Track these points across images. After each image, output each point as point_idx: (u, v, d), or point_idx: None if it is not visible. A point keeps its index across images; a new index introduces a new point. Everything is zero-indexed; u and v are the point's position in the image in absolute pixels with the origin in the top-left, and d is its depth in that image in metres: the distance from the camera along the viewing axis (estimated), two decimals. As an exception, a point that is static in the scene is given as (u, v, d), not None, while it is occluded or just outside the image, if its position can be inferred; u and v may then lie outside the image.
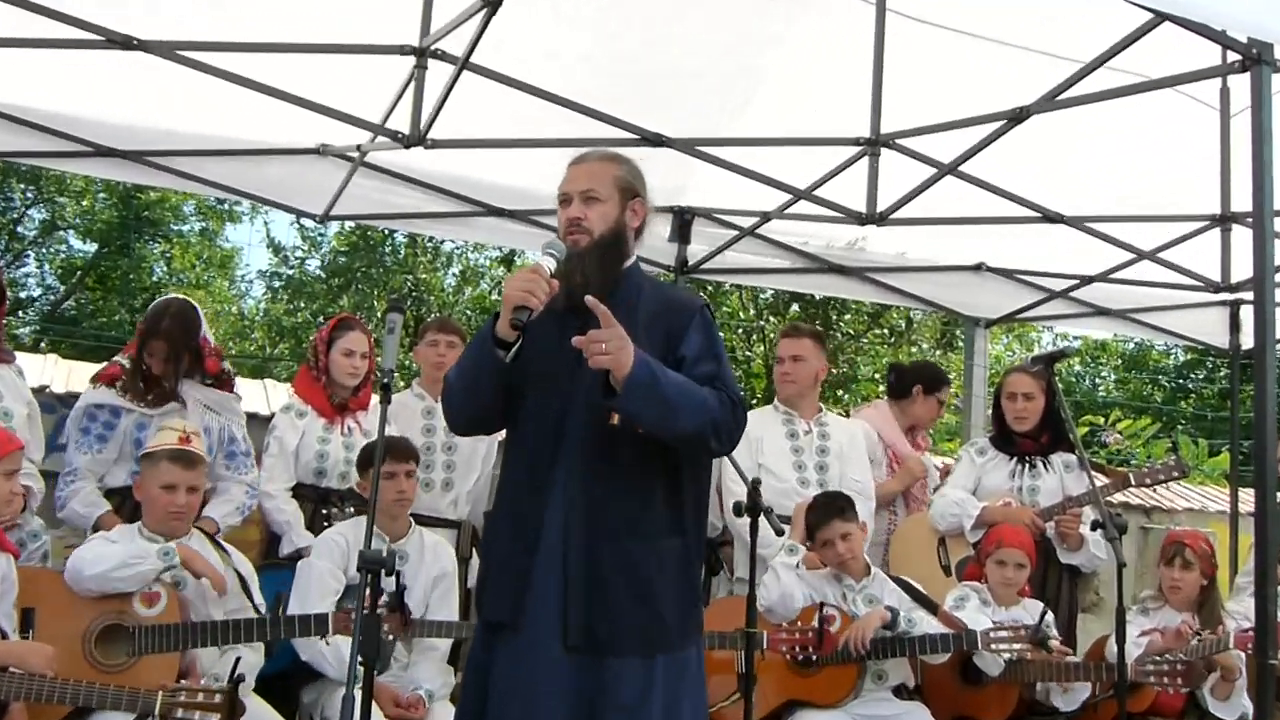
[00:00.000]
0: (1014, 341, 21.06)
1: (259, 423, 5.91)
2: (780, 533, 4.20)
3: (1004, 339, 20.64)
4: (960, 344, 20.01)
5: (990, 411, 6.16)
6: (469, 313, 22.05)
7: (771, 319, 18.73)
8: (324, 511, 5.02)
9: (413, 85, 4.56)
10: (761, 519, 3.97)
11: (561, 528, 3.08)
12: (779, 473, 5.10)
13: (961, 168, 5.14)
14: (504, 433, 3.36)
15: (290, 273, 23.10)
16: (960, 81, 4.70)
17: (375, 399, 4.24)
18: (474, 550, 5.40)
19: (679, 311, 3.26)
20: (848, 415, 6.28)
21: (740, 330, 18.97)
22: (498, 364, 3.12)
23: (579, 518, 3.08)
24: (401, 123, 4.75)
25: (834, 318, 18.49)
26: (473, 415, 3.28)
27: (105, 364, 5.01)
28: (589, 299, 2.99)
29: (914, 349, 18.44)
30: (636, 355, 2.99)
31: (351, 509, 5.00)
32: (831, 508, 4.80)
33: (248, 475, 4.96)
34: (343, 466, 5.14)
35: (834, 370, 18.20)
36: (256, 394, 8.09)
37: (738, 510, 4.08)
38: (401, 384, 17.52)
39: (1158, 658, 4.71)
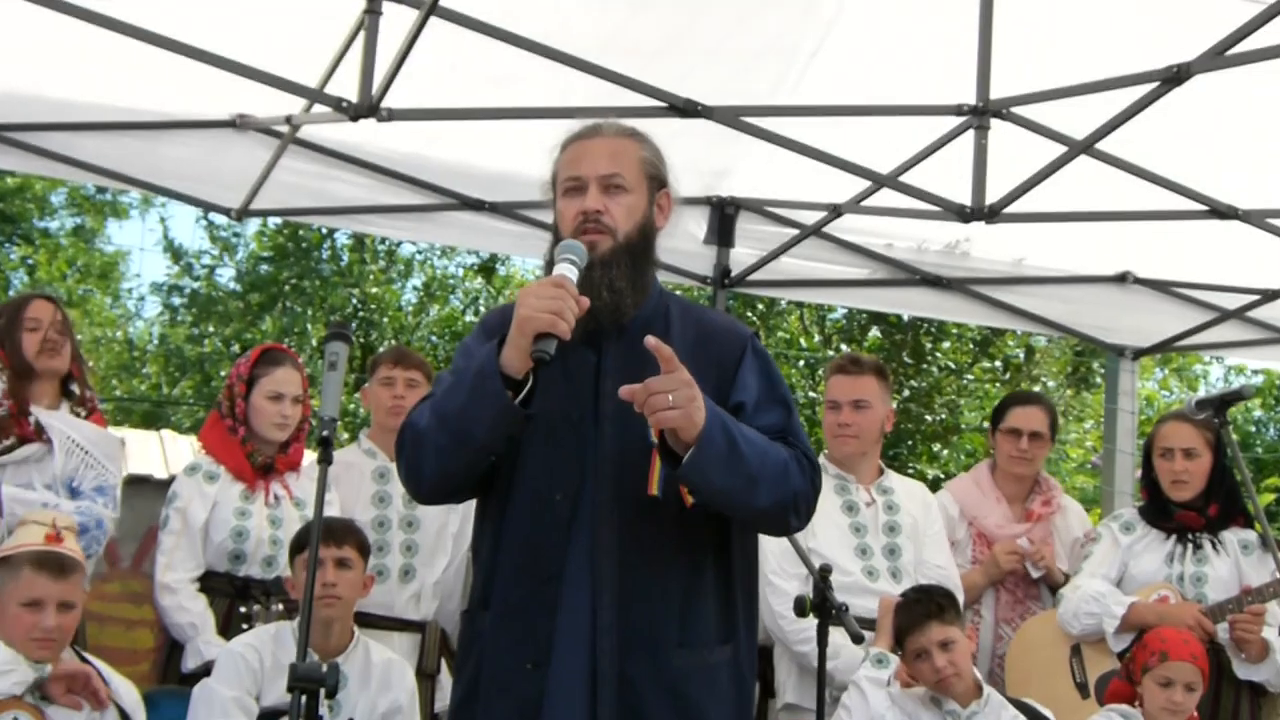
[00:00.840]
0: (1171, 377, 21.04)
1: (152, 489, 5.93)
2: (859, 639, 4.18)
3: (1158, 374, 20.62)
4: (1098, 380, 20.01)
5: (1139, 473, 6.13)
6: (435, 339, 22.12)
7: (843, 347, 18.72)
8: (242, 610, 5.02)
9: (361, 37, 4.59)
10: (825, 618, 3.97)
11: (585, 636, 3.08)
12: (837, 560, 5.06)
13: (1099, 145, 5.14)
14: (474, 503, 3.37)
15: (195, 286, 23.23)
16: (1097, 33, 4.71)
17: (312, 457, 4.23)
18: (443, 662, 5.39)
19: (724, 343, 3.28)
20: (941, 478, 6.23)
21: (801, 363, 18.97)
22: (507, 414, 3.05)
23: (607, 622, 3.07)
24: (346, 87, 4.77)
25: (928, 346, 18.49)
26: (450, 481, 3.25)
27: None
28: (650, 340, 2.97)
29: (1036, 387, 18.42)
30: (709, 409, 3.00)
31: (280, 605, 5.00)
32: (926, 607, 4.78)
33: (107, 510, 4.97)
34: (268, 548, 5.15)
35: (929, 418, 18.18)
36: (149, 449, 8.13)
37: (800, 608, 4.05)
38: (346, 436, 17.57)
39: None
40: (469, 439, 3.11)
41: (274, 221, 20.47)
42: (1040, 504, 5.99)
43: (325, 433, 3.22)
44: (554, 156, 3.38)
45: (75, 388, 5.18)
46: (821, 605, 3.94)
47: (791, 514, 3.14)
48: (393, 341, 21.32)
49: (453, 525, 5.53)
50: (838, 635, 4.20)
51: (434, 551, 5.48)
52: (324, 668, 2.98)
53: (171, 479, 5.47)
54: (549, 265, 3.19)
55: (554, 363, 3.02)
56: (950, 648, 4.73)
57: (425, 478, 3.23)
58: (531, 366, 3.02)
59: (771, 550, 5.00)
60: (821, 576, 3.99)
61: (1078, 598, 5.49)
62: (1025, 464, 5.90)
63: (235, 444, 5.25)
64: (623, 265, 3.19)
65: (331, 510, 5.17)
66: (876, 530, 5.31)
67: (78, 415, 5.11)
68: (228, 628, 5.00)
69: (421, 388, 5.51)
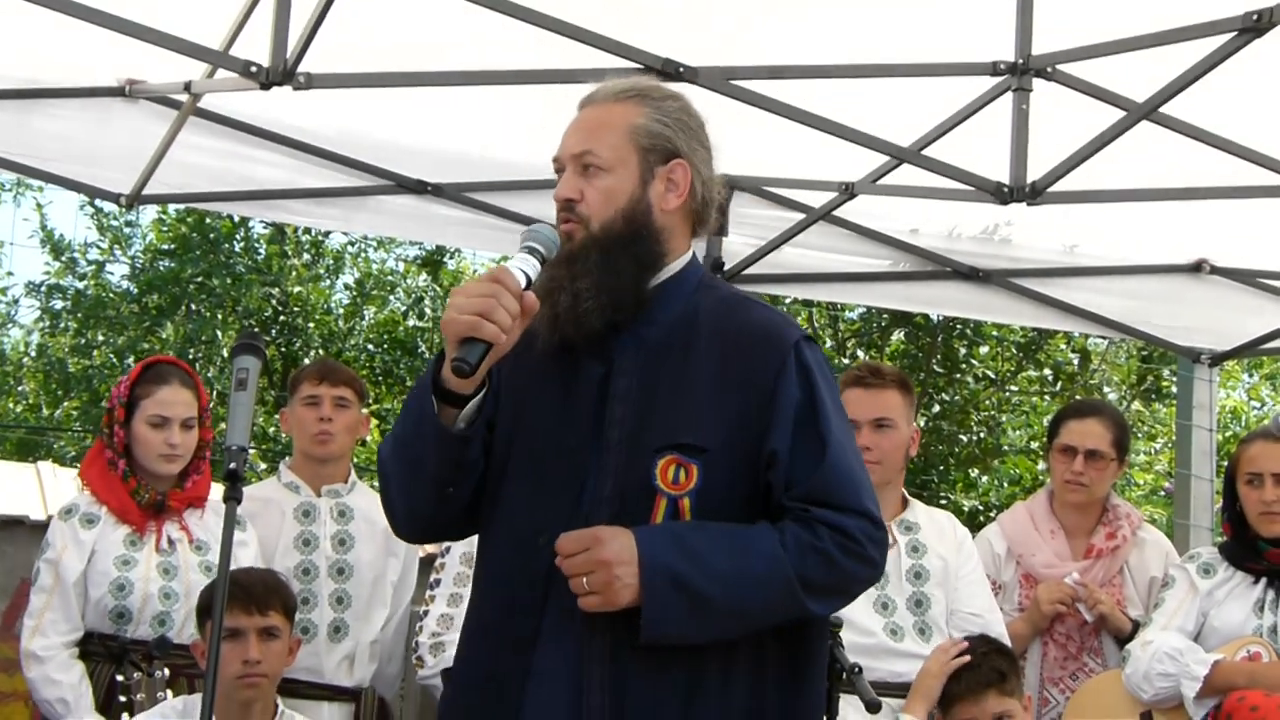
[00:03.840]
0: (1262, 385, 21.09)
1: (26, 534, 5.93)
2: (875, 707, 4.19)
3: (1245, 380, 20.67)
4: (1170, 390, 19.97)
5: (1221, 503, 6.14)
6: (371, 348, 22.11)
7: (860, 353, 18.76)
8: (119, 679, 5.02)
9: (274, -12, 4.62)
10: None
11: (563, 716, 3.08)
12: (854, 618, 5.06)
13: (1164, 109, 5.17)
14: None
15: (81, 286, 23.19)
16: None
17: (220, 491, 4.23)
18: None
19: (760, 356, 3.21)
20: (980, 510, 6.22)
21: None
22: (443, 435, 3.10)
23: (597, 703, 3.07)
24: (256, 49, 4.79)
25: (963, 352, 18.53)
26: (420, 519, 3.29)
27: None
28: (561, 540, 3.05)
29: (1095, 398, 18.46)
30: (641, 545, 3.04)
31: (164, 670, 4.99)
32: (986, 673, 4.81)
33: None
34: (158, 603, 5.14)
35: (964, 438, 18.22)
36: (24, 485, 8.14)
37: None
38: (263, 466, 17.52)
39: None
40: (421, 467, 3.16)
41: (175, 209, 20.44)
42: (1104, 537, 5.95)
43: (233, 465, 3.24)
44: None
45: None
46: (830, 667, 3.95)
47: (811, 605, 3.11)
48: (320, 351, 21.31)
49: (392, 573, 5.55)
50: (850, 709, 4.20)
51: (370, 604, 5.50)
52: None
53: (47, 522, 5.47)
54: None
55: (540, 381, 3.12)
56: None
57: (396, 515, 3.30)
58: (488, 370, 3.07)
59: None
60: (830, 633, 4.00)
61: (1149, 655, 5.47)
62: (1080, 490, 5.88)
63: (117, 479, 5.24)
64: (590, 262, 3.17)
65: (246, 555, 5.18)
66: (900, 578, 5.29)
67: None
68: (109, 702, 4.98)
69: (353, 408, 5.53)
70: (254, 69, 4.74)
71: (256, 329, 19.54)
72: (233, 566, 4.84)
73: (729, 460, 3.14)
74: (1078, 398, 17.32)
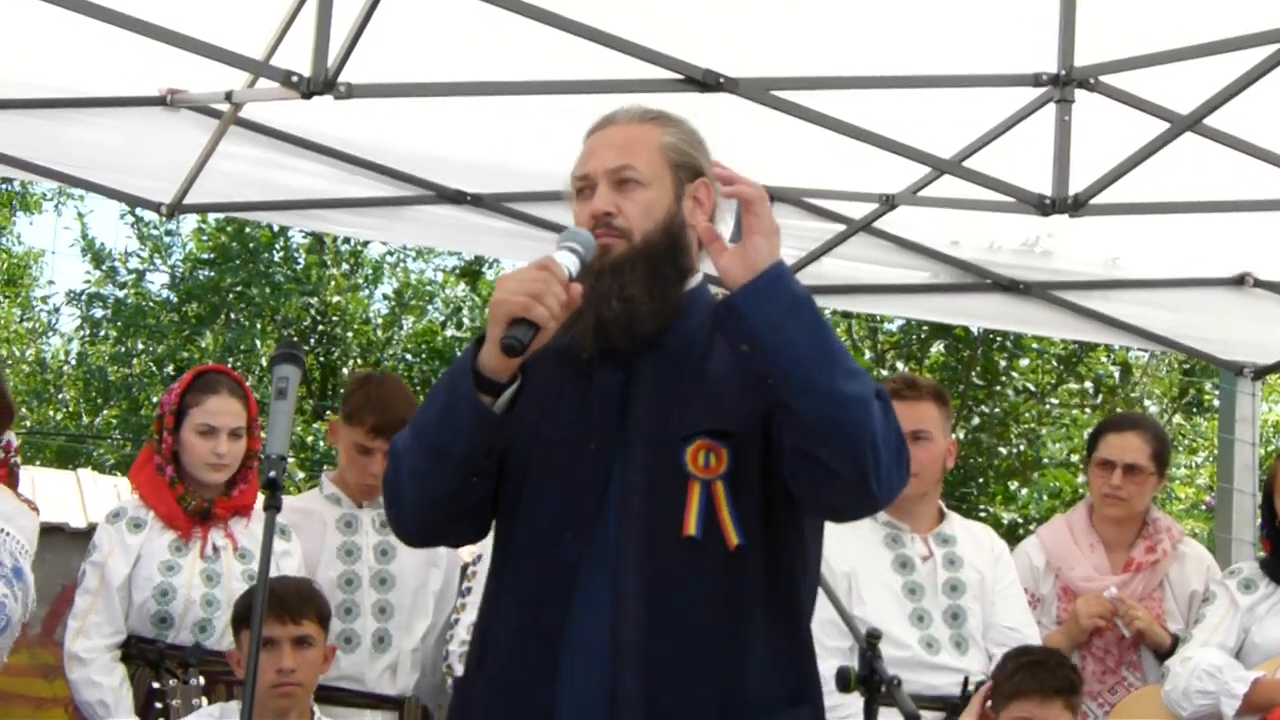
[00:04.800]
0: (1302, 400, 20.99)
1: (66, 541, 5.96)
2: (916, 719, 4.18)
3: (1286, 395, 20.57)
4: (1211, 404, 19.89)
5: (1261, 519, 6.12)
6: (409, 358, 22.18)
7: (899, 365, 18.73)
8: (155, 686, 5.04)
9: (315, -1, 4.63)
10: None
11: (597, 711, 3.09)
12: (890, 630, 5.05)
13: (1208, 121, 5.14)
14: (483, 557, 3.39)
15: (121, 295, 23.32)
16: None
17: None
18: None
19: None
20: (1019, 522, 6.20)
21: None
22: (482, 417, 3.09)
23: (632, 691, 3.09)
24: (297, 58, 4.80)
25: (1002, 364, 18.50)
26: (432, 512, 3.27)
27: None
28: (718, 168, 3.04)
29: (1135, 411, 18.40)
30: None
31: (199, 679, 5.02)
32: (1058, 678, 4.79)
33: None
34: (200, 610, 5.17)
35: (1003, 450, 18.17)
36: (64, 493, 8.18)
37: (844, 681, 4.06)
38: (301, 475, 17.57)
39: None
40: (445, 455, 3.14)
41: (214, 218, 20.55)
42: (1144, 550, 5.93)
43: (273, 473, 3.26)
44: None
45: None
46: (869, 678, 3.94)
47: (866, 443, 3.02)
48: (358, 361, 21.37)
49: (434, 583, 5.56)
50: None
51: (412, 614, 5.51)
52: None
53: (91, 528, 5.50)
54: None
55: (566, 388, 3.13)
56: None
57: (404, 508, 3.28)
58: (521, 366, 3.08)
59: None
60: (869, 643, 3.99)
61: (1188, 672, 5.46)
62: (1119, 504, 5.86)
63: (164, 485, 5.27)
64: (638, 271, 3.21)
65: (289, 565, 5.20)
66: (936, 591, 5.29)
67: None
68: (147, 709, 5.01)
69: None
70: (295, 78, 4.75)
71: (295, 338, 19.60)
72: (275, 575, 4.89)
73: (756, 444, 3.17)
74: (1118, 411, 17.28)
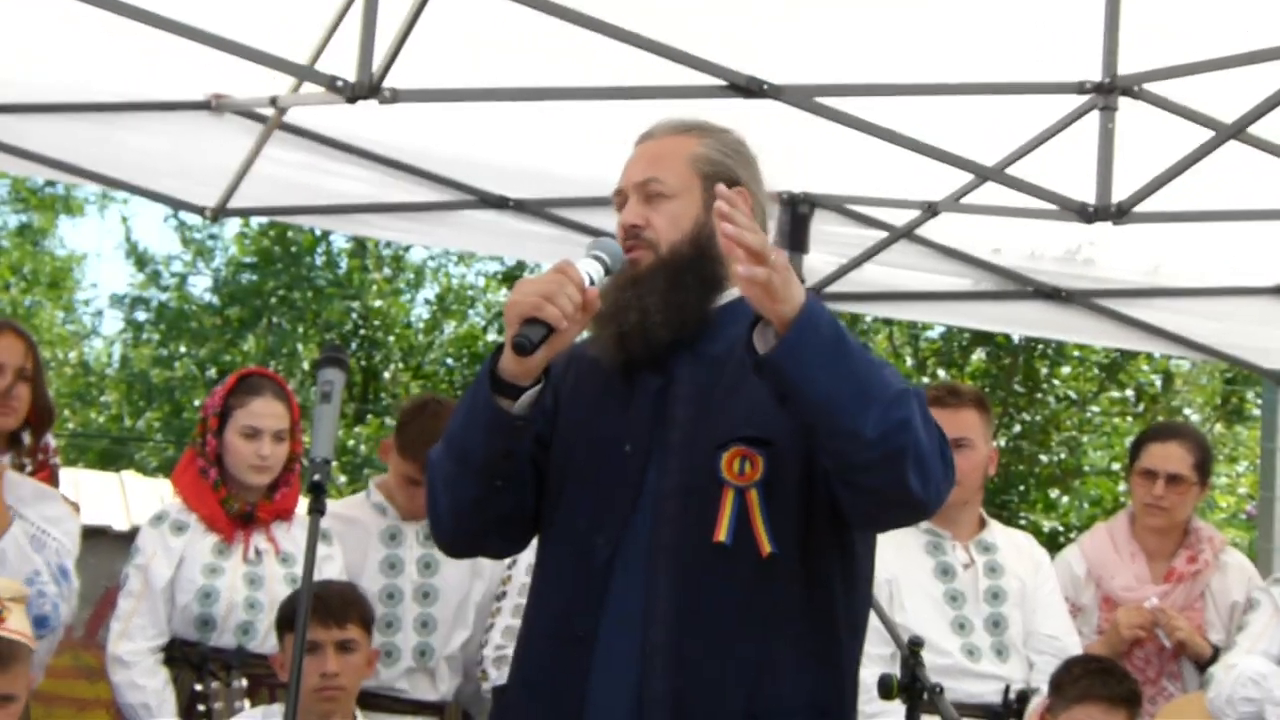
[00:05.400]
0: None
1: (109, 543, 5.97)
2: (955, 727, 4.18)
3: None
4: (1253, 412, 19.79)
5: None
6: (450, 362, 22.22)
7: (940, 373, 18.70)
8: (198, 689, 5.05)
9: (360, 3, 4.62)
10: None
11: (624, 709, 3.10)
12: (930, 637, 5.04)
13: (1251, 129, 5.13)
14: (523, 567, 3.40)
15: (164, 298, 23.43)
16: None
17: (305, 506, 4.26)
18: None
19: None
20: (1060, 530, 6.16)
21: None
22: (499, 420, 3.12)
23: (659, 691, 3.10)
24: (342, 63, 4.82)
25: (1044, 372, 18.46)
26: (465, 521, 3.29)
27: None
28: (720, 190, 3.00)
29: (1176, 420, 18.36)
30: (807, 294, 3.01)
31: (243, 681, 5.04)
32: (1126, 690, 4.80)
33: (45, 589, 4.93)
34: (243, 613, 5.17)
35: (1044, 458, 18.11)
36: (107, 495, 8.21)
37: (886, 689, 4.06)
38: (343, 479, 17.61)
39: None
40: (469, 459, 3.18)
41: (257, 222, 20.63)
42: (1185, 560, 5.92)
43: (317, 477, 3.27)
44: None
45: (26, 436, 5.21)
46: (911, 686, 3.94)
47: (909, 462, 3.01)
48: (399, 365, 21.42)
49: (476, 594, 5.52)
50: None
51: (453, 627, 5.49)
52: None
53: (133, 531, 5.51)
54: None
55: (598, 398, 3.14)
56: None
57: (440, 517, 3.31)
58: (545, 371, 3.11)
59: None
60: (911, 651, 3.99)
61: (1232, 680, 5.43)
62: (1161, 514, 5.84)
63: (207, 488, 5.26)
64: (658, 281, 3.23)
65: (331, 570, 5.21)
66: (977, 599, 5.30)
67: (21, 469, 5.11)
68: (190, 711, 5.04)
69: None
70: (340, 83, 4.77)
71: (338, 342, 19.66)
72: (318, 579, 4.90)
73: (795, 453, 3.15)
74: (1160, 420, 17.22)
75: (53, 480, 5.32)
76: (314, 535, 3.25)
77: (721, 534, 3.10)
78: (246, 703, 4.90)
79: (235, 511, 5.25)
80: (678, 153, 3.33)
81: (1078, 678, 4.86)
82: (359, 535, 5.47)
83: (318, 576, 4.94)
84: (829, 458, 3.06)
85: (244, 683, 5.01)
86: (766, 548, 3.11)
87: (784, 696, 3.15)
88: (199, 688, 5.01)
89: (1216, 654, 5.66)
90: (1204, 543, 5.95)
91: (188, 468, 5.37)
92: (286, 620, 4.71)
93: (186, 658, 5.14)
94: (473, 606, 5.52)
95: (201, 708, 4.91)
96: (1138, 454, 5.98)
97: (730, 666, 3.12)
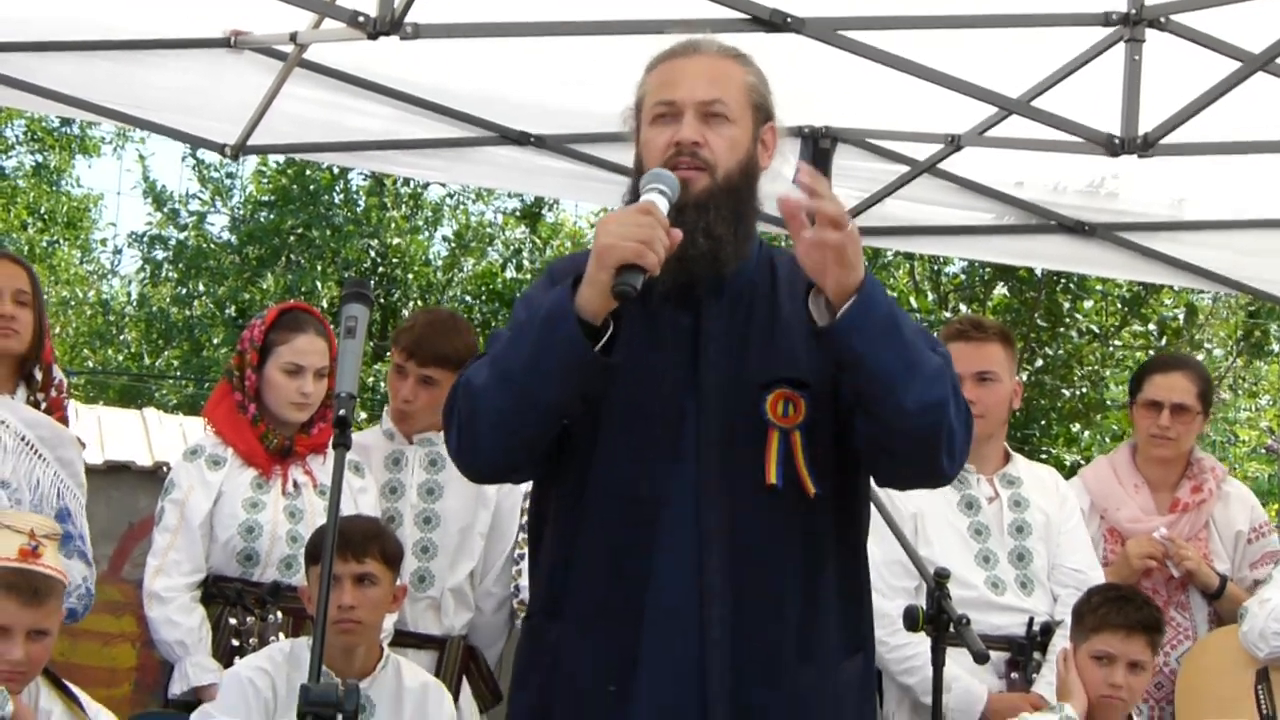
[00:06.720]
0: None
1: (133, 479, 5.97)
2: (983, 658, 4.19)
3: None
4: (1276, 347, 19.78)
5: (1327, 461, 6.10)
6: (469, 299, 22.21)
7: (963, 307, 18.67)
8: (232, 622, 5.05)
9: (381, -63, 4.63)
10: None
11: (685, 653, 3.13)
12: (956, 570, 5.04)
13: None
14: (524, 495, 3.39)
15: (182, 237, 23.43)
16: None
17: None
18: (465, 684, 5.44)
19: None
20: (1081, 464, 6.17)
21: (912, 326, 18.99)
22: (585, 363, 3.09)
23: (718, 636, 3.13)
24: (363, -2, 4.82)
25: (1066, 306, 18.42)
26: (512, 455, 3.27)
27: None
28: (802, 167, 3.03)
29: (1199, 354, 18.32)
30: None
31: (277, 614, 5.04)
32: (1145, 614, 4.82)
33: (76, 576, 4.88)
34: (286, 546, 5.16)
35: (1067, 392, 18.10)
36: (129, 431, 8.22)
37: (912, 620, 4.08)
38: (364, 416, 17.62)
39: None
40: (536, 399, 3.14)
41: (276, 160, 20.60)
42: (1190, 491, 5.93)
43: (342, 411, 3.25)
44: (640, 79, 3.42)
45: (38, 371, 5.21)
46: (937, 617, 3.96)
47: (943, 438, 3.11)
48: (419, 303, 21.43)
49: (481, 524, 5.50)
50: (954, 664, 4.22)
51: (456, 554, 5.48)
52: (341, 690, 3.02)
53: (156, 467, 5.52)
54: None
55: (639, 330, 3.12)
56: (1139, 672, 4.79)
57: (482, 451, 3.26)
58: (613, 310, 3.08)
59: (874, 560, 5.03)
60: (938, 583, 4.01)
61: (1266, 613, 5.45)
62: (1167, 444, 5.84)
63: (245, 423, 5.23)
64: (723, 208, 3.23)
65: (366, 502, 5.23)
66: (1001, 532, 5.31)
67: (36, 405, 5.12)
68: (228, 647, 5.02)
69: (440, 387, 5.32)
70: (361, 19, 4.75)
71: (360, 280, 19.64)
72: (354, 512, 4.91)
73: (828, 396, 3.21)
74: (1181, 352, 17.20)
75: (64, 420, 5.33)
76: (340, 469, 3.24)
77: (772, 475, 3.15)
78: (282, 636, 4.92)
79: (274, 446, 5.22)
80: (735, 78, 3.33)
81: (1097, 606, 4.88)
82: (371, 461, 5.47)
83: (353, 509, 4.99)
84: (871, 423, 3.12)
85: (279, 616, 5.03)
86: (812, 488, 3.16)
87: (827, 637, 3.21)
88: (232, 621, 5.02)
89: (1224, 583, 5.72)
90: (1207, 473, 5.97)
91: (221, 400, 5.33)
92: (312, 554, 4.73)
93: (223, 594, 5.13)
94: (478, 535, 5.50)
95: (236, 643, 4.92)
96: (1141, 385, 5.99)
97: (783, 606, 3.17)
